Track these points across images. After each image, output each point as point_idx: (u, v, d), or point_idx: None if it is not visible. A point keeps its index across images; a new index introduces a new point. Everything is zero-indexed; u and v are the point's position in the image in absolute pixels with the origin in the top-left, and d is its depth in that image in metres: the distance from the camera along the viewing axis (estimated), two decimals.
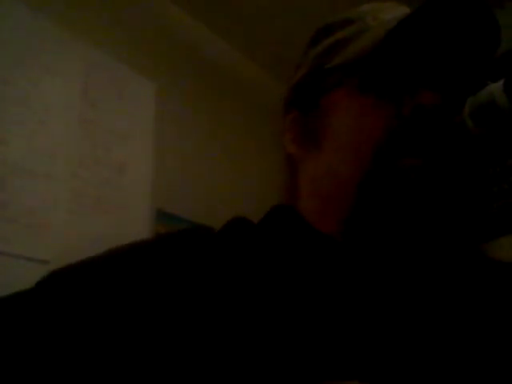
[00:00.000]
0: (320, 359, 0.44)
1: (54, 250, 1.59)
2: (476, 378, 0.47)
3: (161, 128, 2.05)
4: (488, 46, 0.54)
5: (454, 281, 0.54)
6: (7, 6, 1.67)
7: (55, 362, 0.44)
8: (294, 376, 0.43)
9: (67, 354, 0.44)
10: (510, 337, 0.50)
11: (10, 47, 1.66)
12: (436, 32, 0.54)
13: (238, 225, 0.59)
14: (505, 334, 0.51)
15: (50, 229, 1.63)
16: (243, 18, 2.31)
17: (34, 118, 1.67)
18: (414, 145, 0.51)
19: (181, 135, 2.16)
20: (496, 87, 0.47)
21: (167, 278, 0.49)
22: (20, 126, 1.63)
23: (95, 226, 1.75)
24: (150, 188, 1.96)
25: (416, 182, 0.51)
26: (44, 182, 1.65)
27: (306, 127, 0.61)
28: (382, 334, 0.48)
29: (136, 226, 1.87)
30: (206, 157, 2.24)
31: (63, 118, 1.75)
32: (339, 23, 0.61)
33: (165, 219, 1.94)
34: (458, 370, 0.47)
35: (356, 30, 0.58)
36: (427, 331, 0.49)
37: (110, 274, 0.49)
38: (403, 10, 0.58)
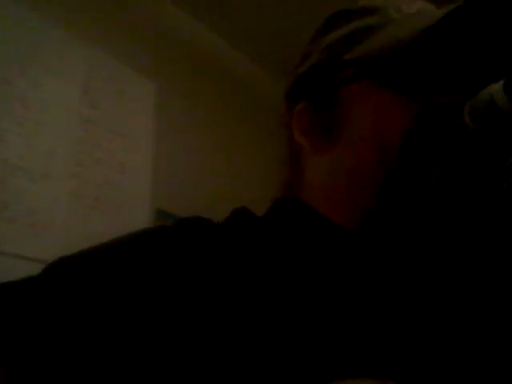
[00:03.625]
0: (326, 357, 0.44)
1: (54, 250, 1.59)
2: (482, 375, 0.47)
3: (161, 128, 2.05)
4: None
5: (468, 276, 0.54)
6: (7, 6, 1.67)
7: (59, 350, 0.44)
8: (299, 374, 0.43)
9: (69, 342, 0.44)
10: None
11: (10, 47, 1.66)
12: (470, 32, 0.53)
13: (242, 216, 0.58)
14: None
15: (50, 229, 1.63)
16: (243, 18, 2.31)
17: (34, 118, 1.67)
18: (442, 142, 0.50)
19: (181, 135, 2.16)
20: (496, 87, 0.47)
21: (171, 268, 0.49)
22: (20, 126, 1.63)
23: (95, 226, 1.75)
24: (149, 188, 1.96)
25: (440, 188, 0.50)
26: (44, 181, 1.65)
27: (320, 119, 0.57)
28: (390, 331, 0.48)
29: (136, 226, 1.86)
30: (206, 156, 2.24)
31: (63, 118, 1.75)
32: (357, 11, 0.58)
33: (165, 219, 1.94)
34: (463, 367, 0.47)
35: (378, 20, 0.55)
36: (436, 328, 0.49)
37: (114, 263, 0.49)
38: (420, 5, 0.57)
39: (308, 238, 0.55)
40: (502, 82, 0.47)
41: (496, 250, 0.54)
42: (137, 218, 1.90)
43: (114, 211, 1.83)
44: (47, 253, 1.57)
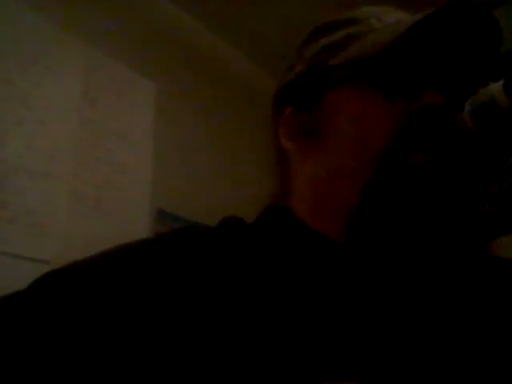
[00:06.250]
0: (318, 360, 0.44)
1: (54, 250, 1.59)
2: (476, 379, 0.47)
3: (161, 128, 2.05)
4: (490, 47, 0.55)
5: (456, 281, 0.54)
6: (7, 6, 1.67)
7: (51, 361, 0.44)
8: (293, 376, 0.43)
9: (64, 353, 0.44)
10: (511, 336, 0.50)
11: (10, 47, 1.66)
12: (445, 34, 0.55)
13: (231, 225, 0.59)
14: (506, 333, 0.51)
15: (50, 229, 1.63)
16: (243, 18, 2.31)
17: (34, 118, 1.67)
18: (426, 141, 0.51)
19: (181, 135, 2.16)
20: (496, 87, 0.47)
21: (161, 278, 0.49)
22: (20, 126, 1.63)
23: (95, 226, 1.75)
24: (149, 188, 1.96)
25: (429, 176, 0.50)
26: (44, 181, 1.65)
27: (305, 124, 0.59)
28: (381, 335, 0.48)
29: (136, 226, 1.87)
30: (206, 157, 2.24)
31: (63, 118, 1.75)
32: (341, 22, 0.60)
33: (165, 219, 1.94)
34: (458, 371, 0.47)
35: (360, 29, 0.58)
36: (427, 333, 0.49)
37: (106, 274, 0.49)
38: (401, 15, 0.59)
39: (292, 248, 0.55)
40: (502, 82, 0.47)
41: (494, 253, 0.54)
42: (137, 217, 1.90)
43: (114, 211, 1.83)
44: (47, 253, 1.57)
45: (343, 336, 0.47)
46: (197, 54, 2.31)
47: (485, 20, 0.53)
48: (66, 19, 1.82)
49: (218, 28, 2.35)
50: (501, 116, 0.47)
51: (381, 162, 0.52)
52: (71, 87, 1.80)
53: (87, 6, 1.90)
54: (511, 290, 0.55)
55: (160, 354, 0.44)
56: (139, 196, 1.93)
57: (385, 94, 0.54)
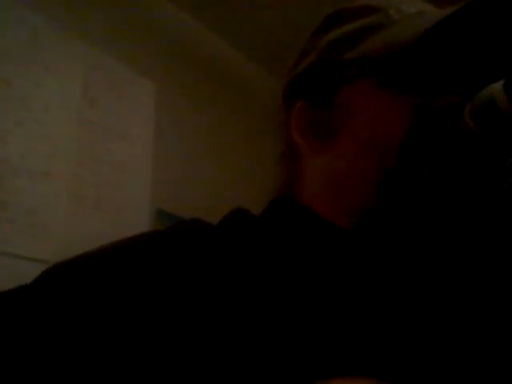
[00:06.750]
0: (320, 357, 0.44)
1: (54, 250, 1.59)
2: (478, 377, 0.47)
3: (161, 128, 2.05)
4: None
5: (462, 277, 0.54)
6: (7, 6, 1.68)
7: (53, 356, 0.44)
8: (291, 374, 0.43)
9: (65, 348, 0.44)
10: None
11: (11, 47, 1.66)
12: (472, 34, 0.53)
13: (239, 217, 0.58)
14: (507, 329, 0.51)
15: (50, 229, 1.63)
16: (243, 18, 2.31)
17: (34, 118, 1.67)
18: (441, 144, 0.50)
19: (181, 135, 2.16)
20: (496, 87, 0.47)
21: (168, 272, 0.48)
22: (20, 126, 1.63)
23: (95, 226, 1.75)
24: (149, 188, 1.96)
25: (438, 189, 0.50)
26: (44, 181, 1.65)
27: (319, 118, 0.57)
28: (384, 332, 0.48)
29: (136, 226, 1.87)
30: (206, 156, 2.25)
31: (63, 118, 1.76)
32: (357, 10, 0.58)
33: (165, 219, 1.94)
34: (459, 368, 0.47)
35: (378, 20, 0.55)
36: (429, 330, 0.49)
37: (110, 269, 0.49)
38: (420, 5, 0.57)
39: (304, 239, 0.55)
40: (502, 82, 0.47)
41: (495, 250, 0.54)
42: (137, 217, 1.90)
43: (114, 211, 1.83)
44: (47, 253, 1.57)
45: (347, 331, 0.47)
46: (197, 54, 2.31)
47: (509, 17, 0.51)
48: (66, 19, 1.83)
49: (218, 28, 2.35)
50: (500, 116, 0.46)
51: (397, 161, 0.51)
52: (71, 87, 1.80)
53: (87, 6, 1.90)
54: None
55: (161, 349, 0.44)
56: (139, 196, 1.93)
57: (402, 93, 0.52)
